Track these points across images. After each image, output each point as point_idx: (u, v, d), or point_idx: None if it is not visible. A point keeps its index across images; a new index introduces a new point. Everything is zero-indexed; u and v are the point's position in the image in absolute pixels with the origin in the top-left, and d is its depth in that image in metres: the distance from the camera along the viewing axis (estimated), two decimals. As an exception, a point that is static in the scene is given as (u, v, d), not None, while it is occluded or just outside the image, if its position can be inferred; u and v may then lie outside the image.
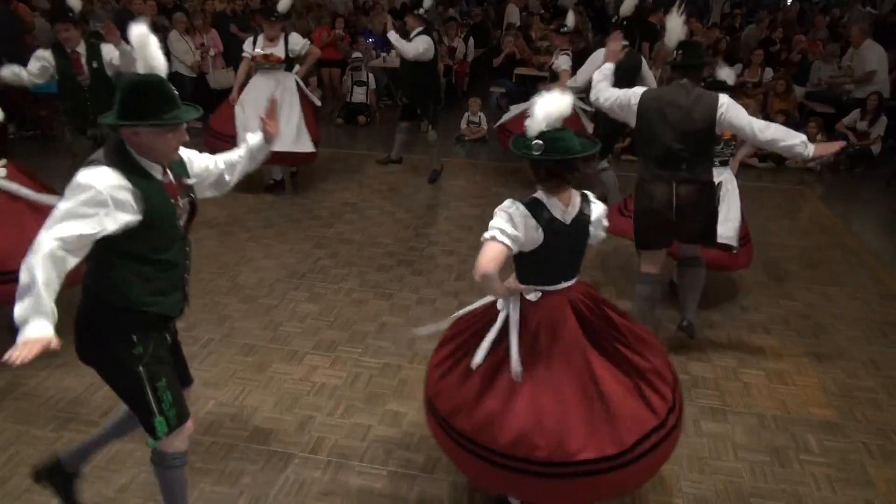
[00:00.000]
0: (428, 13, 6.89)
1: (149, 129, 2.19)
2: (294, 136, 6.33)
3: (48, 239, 2.07)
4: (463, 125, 9.17)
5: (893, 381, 4.13)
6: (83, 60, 5.12)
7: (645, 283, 4.12)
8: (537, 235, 2.51)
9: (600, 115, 6.14)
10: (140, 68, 2.28)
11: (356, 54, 10.07)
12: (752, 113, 4.02)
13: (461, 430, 2.64)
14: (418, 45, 6.60)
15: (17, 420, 3.51)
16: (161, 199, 2.31)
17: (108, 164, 2.18)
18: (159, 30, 8.82)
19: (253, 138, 2.85)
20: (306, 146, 6.51)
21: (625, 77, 5.95)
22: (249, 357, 4.14)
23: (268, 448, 3.39)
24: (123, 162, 2.22)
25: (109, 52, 5.11)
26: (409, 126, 7.37)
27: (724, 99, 3.76)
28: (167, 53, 9.00)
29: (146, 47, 2.27)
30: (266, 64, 6.37)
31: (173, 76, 8.98)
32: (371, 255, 5.55)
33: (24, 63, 5.11)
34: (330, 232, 5.99)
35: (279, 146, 6.23)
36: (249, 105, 6.31)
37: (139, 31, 2.28)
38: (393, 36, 6.68)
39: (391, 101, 10.83)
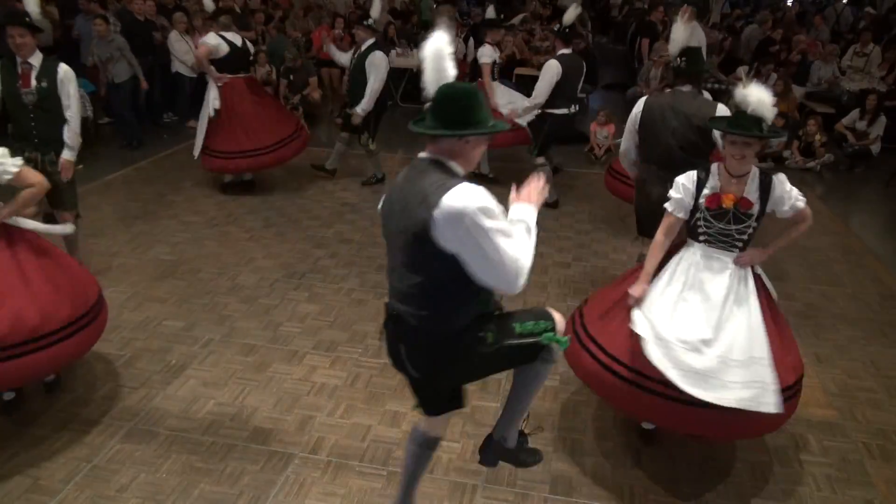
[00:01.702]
0: (376, 23, 6.78)
1: (478, 137, 2.18)
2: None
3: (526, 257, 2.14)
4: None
5: (893, 381, 4.13)
6: (33, 74, 4.32)
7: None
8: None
9: (547, 117, 6.30)
10: (431, 80, 2.19)
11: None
12: None
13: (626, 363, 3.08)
14: (374, 84, 6.41)
15: (17, 420, 3.51)
16: None
17: (465, 180, 2.14)
18: (158, 29, 8.86)
19: None
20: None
21: (570, 80, 6.14)
22: (249, 357, 4.14)
23: (268, 448, 3.39)
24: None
25: (67, 77, 4.41)
26: (350, 138, 6.97)
27: (722, 108, 3.96)
28: (167, 53, 8.99)
29: (443, 59, 2.17)
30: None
31: (174, 76, 9.03)
32: (371, 255, 5.55)
33: None
34: (330, 232, 5.99)
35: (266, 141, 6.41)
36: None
37: (438, 42, 2.17)
38: (359, 110, 6.54)
39: (391, 101, 10.83)
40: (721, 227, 3.08)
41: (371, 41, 6.51)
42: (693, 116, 3.97)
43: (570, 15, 6.33)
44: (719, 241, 3.11)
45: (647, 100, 4.18)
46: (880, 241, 6.33)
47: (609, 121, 8.21)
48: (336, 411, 3.68)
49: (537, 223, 2.30)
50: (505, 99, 6.78)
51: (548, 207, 6.58)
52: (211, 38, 6.28)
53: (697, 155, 3.98)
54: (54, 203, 4.55)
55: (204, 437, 3.43)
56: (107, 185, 6.86)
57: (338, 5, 12.82)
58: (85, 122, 8.09)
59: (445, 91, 2.15)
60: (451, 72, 2.18)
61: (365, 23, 6.55)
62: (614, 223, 6.27)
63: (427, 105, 2.21)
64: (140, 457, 3.29)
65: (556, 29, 6.56)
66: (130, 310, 4.60)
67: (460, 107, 2.13)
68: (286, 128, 6.71)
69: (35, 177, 3.37)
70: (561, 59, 6.09)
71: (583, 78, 6.32)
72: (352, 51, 6.83)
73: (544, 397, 3.83)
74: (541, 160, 6.47)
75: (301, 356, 4.16)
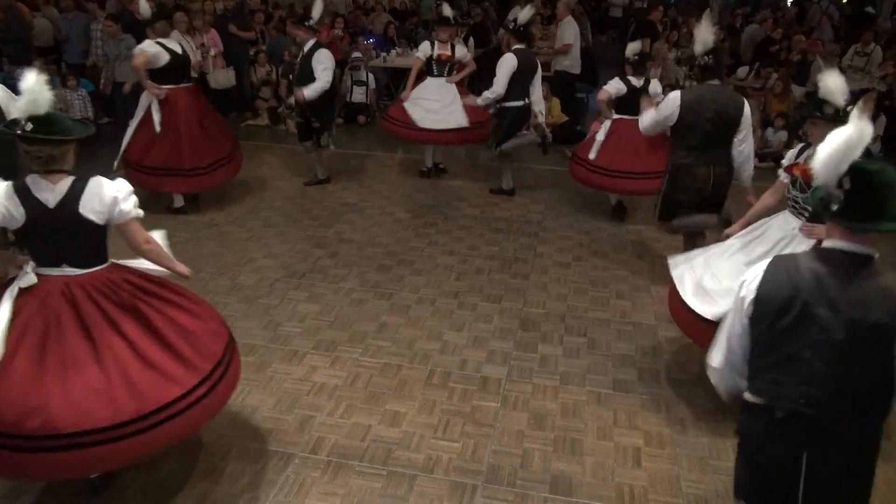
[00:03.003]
0: (318, 23, 6.66)
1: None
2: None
3: None
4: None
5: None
6: None
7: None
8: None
9: (506, 111, 6.51)
10: (830, 165, 2.02)
11: (356, 54, 10.07)
12: (751, 113, 4.69)
13: None
14: (323, 76, 6.31)
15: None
16: None
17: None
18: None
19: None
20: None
21: (524, 74, 6.33)
22: (249, 357, 4.14)
23: (268, 448, 3.39)
24: None
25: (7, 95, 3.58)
26: (313, 143, 6.89)
27: (746, 101, 4.63)
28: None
29: (856, 151, 2.01)
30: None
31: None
32: (371, 255, 5.55)
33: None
34: (330, 232, 5.99)
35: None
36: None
37: (864, 130, 1.99)
38: (305, 93, 6.34)
39: (391, 100, 10.83)
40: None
41: (312, 42, 6.45)
42: (727, 106, 4.49)
43: (525, 14, 6.57)
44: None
45: (682, 95, 4.55)
46: (880, 241, 6.30)
47: (609, 121, 8.19)
48: (336, 411, 3.68)
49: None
50: (435, 95, 6.96)
51: (504, 195, 6.83)
52: (149, 47, 5.82)
53: (728, 141, 4.57)
54: None
55: (204, 437, 3.43)
56: (107, 185, 6.85)
57: (338, 5, 12.81)
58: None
59: (888, 179, 2.02)
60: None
61: (306, 23, 6.45)
62: (615, 222, 6.28)
63: (832, 191, 2.05)
64: (140, 457, 3.29)
65: (510, 26, 6.75)
66: (130, 310, 4.60)
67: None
68: (223, 147, 6.26)
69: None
70: (516, 53, 6.36)
71: (538, 73, 6.52)
72: (297, 55, 6.85)
73: (544, 397, 3.83)
74: (499, 152, 6.66)
75: (301, 356, 4.16)
